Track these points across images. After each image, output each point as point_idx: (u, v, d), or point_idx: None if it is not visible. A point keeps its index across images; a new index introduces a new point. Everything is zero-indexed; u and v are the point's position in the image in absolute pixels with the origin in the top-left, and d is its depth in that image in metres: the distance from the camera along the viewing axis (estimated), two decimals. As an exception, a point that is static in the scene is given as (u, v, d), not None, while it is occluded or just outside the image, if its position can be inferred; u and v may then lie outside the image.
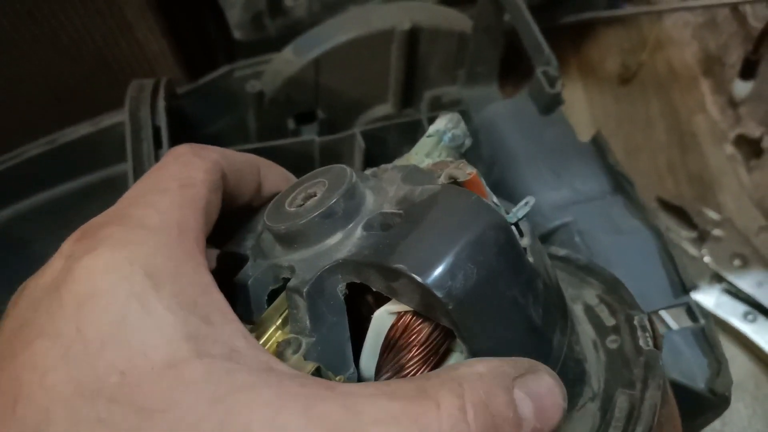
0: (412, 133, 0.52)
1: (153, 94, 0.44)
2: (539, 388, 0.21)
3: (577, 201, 0.41)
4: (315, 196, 0.25)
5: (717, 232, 0.64)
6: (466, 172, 0.24)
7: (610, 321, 0.28)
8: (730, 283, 0.61)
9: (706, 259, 0.62)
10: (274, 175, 0.29)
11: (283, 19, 0.64)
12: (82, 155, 0.51)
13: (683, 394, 0.27)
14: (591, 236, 0.38)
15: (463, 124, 0.29)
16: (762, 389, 0.58)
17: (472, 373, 0.20)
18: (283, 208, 0.25)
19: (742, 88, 0.66)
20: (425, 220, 0.22)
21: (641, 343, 0.26)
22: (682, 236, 0.64)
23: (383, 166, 0.28)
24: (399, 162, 0.28)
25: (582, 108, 0.74)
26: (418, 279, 0.20)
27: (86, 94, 0.57)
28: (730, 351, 0.59)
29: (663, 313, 0.51)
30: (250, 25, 0.62)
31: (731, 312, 0.60)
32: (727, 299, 0.61)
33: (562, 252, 0.31)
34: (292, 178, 0.29)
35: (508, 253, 0.22)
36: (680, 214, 0.65)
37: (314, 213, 0.24)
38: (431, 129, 0.29)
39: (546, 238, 0.41)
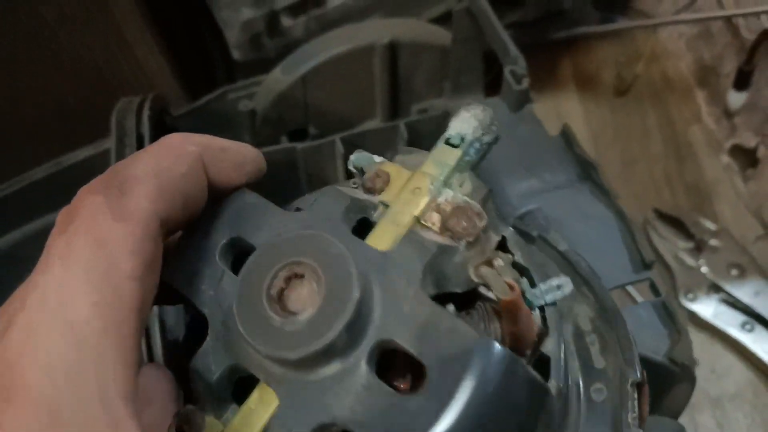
0: (392, 139, 0.53)
1: (140, 106, 0.45)
2: None
3: (545, 190, 0.42)
4: (303, 290, 0.20)
5: (714, 242, 0.64)
6: (505, 286, 0.20)
7: (599, 362, 0.24)
8: (727, 293, 0.61)
9: (704, 269, 0.63)
10: (222, 163, 0.22)
11: (281, 38, 0.65)
12: (86, 177, 0.52)
13: (646, 367, 0.27)
14: (557, 221, 0.40)
15: (489, 117, 0.23)
16: (761, 398, 0.58)
17: None
18: (260, 306, 0.20)
19: (736, 98, 0.67)
20: (451, 407, 0.18)
21: (629, 418, 0.23)
22: (679, 247, 0.65)
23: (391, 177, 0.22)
24: (411, 170, 0.22)
25: (579, 120, 0.74)
26: None
27: (87, 112, 0.58)
28: (728, 360, 0.60)
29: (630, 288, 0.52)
30: (248, 45, 0.63)
31: (729, 322, 0.60)
32: (724, 309, 0.61)
33: (563, 246, 0.28)
34: (249, 157, 0.23)
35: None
36: (677, 224, 0.65)
37: (309, 348, 0.19)
38: (453, 130, 0.23)
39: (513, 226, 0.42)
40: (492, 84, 0.57)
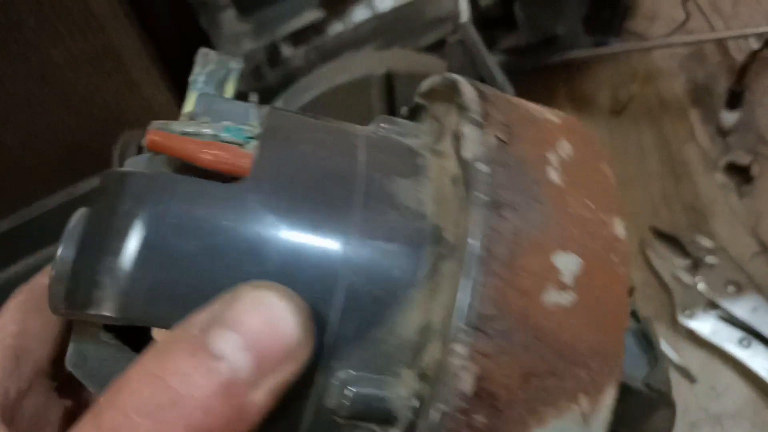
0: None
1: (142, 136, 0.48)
2: (243, 328, 0.19)
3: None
4: None
5: (711, 259, 0.65)
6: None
7: None
8: (725, 310, 0.62)
9: (701, 286, 0.64)
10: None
11: (282, 68, 0.67)
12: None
13: (625, 393, 0.28)
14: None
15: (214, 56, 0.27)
16: (760, 415, 0.59)
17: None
18: None
19: (729, 117, 0.68)
20: None
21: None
22: (676, 265, 0.66)
23: None
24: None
25: (576, 141, 0.76)
26: None
27: (96, 149, 0.60)
28: (728, 377, 0.61)
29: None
30: (250, 76, 0.66)
31: (727, 338, 0.61)
32: (722, 326, 0.62)
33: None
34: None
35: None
36: (674, 242, 0.67)
37: None
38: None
39: None
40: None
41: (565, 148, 0.25)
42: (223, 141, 0.24)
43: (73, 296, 0.21)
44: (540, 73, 0.76)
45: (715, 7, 0.69)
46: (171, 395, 0.18)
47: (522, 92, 0.76)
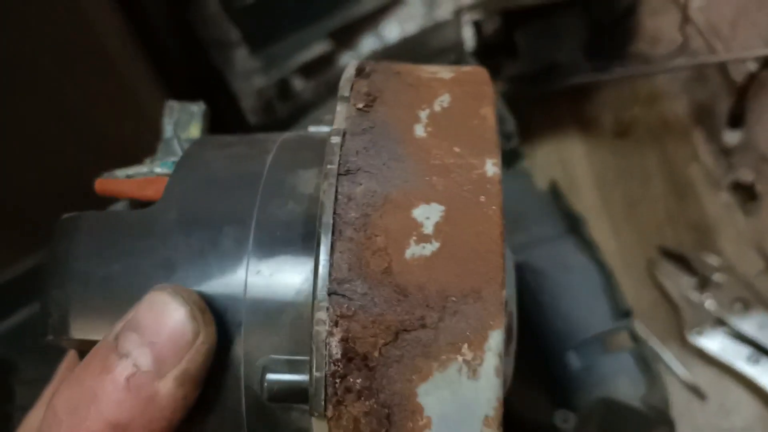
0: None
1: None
2: (140, 327, 0.22)
3: (532, 243, 0.45)
4: None
5: (718, 277, 0.66)
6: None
7: None
8: (732, 327, 0.63)
9: (708, 304, 0.64)
10: None
11: (292, 102, 0.69)
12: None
13: (625, 412, 0.29)
14: (542, 275, 0.43)
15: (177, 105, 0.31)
16: (771, 432, 0.59)
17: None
18: None
19: (731, 137, 0.69)
20: None
21: None
22: (684, 283, 0.66)
23: None
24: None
25: (582, 163, 0.77)
26: None
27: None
28: (737, 395, 0.61)
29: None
30: (262, 110, 0.68)
31: (735, 355, 0.62)
32: (730, 343, 0.63)
33: None
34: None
35: None
36: (681, 261, 0.67)
37: None
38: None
39: None
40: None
41: (443, 101, 0.25)
42: (158, 175, 0.27)
43: (41, 327, 0.25)
44: (545, 99, 0.78)
45: (714, 29, 0.70)
46: (88, 394, 0.21)
47: (528, 118, 0.78)
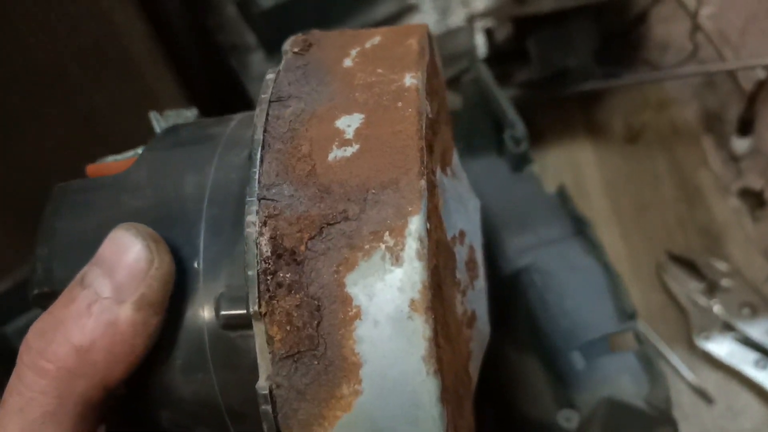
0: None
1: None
2: (101, 260, 0.25)
3: (539, 245, 0.46)
4: None
5: (726, 282, 0.66)
6: None
7: None
8: (740, 332, 0.63)
9: (716, 309, 0.65)
10: None
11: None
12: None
13: (628, 412, 0.31)
14: (549, 275, 0.44)
15: (169, 112, 0.33)
16: (777, 435, 0.59)
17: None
18: None
19: (740, 144, 0.70)
20: None
21: None
22: (692, 288, 0.67)
23: None
24: None
25: (592, 168, 0.78)
26: None
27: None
28: (745, 398, 0.62)
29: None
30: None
31: (743, 360, 0.62)
32: (738, 347, 0.63)
33: None
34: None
35: None
36: (690, 266, 0.68)
37: None
38: None
39: (510, 279, 0.46)
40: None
41: (374, 41, 0.28)
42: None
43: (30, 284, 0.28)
44: (556, 104, 0.79)
45: (723, 37, 0.71)
46: (55, 322, 0.24)
47: (539, 122, 0.79)
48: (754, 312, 0.64)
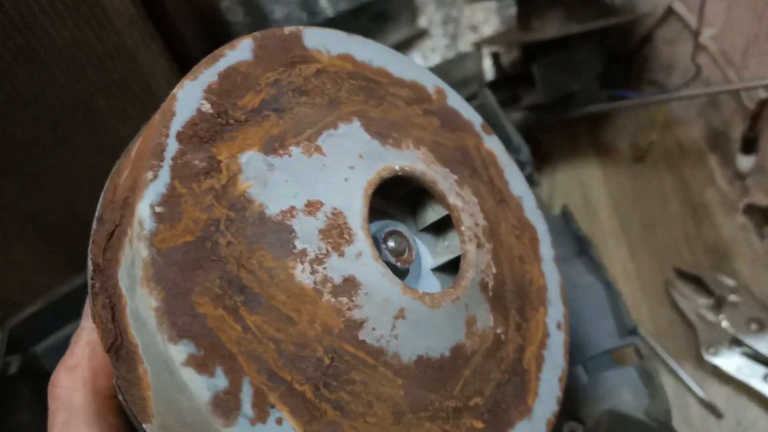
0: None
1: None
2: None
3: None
4: None
5: (733, 298, 0.67)
6: None
7: None
8: (748, 347, 0.64)
9: (724, 324, 0.66)
10: None
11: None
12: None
13: (629, 424, 0.32)
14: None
15: None
16: (787, 449, 0.60)
17: None
18: None
19: (745, 161, 0.71)
20: None
21: None
22: (700, 304, 0.68)
23: None
24: None
25: (600, 187, 0.80)
26: None
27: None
28: (754, 413, 0.63)
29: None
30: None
31: (752, 375, 0.63)
32: (746, 362, 0.64)
33: None
34: None
35: None
36: (698, 282, 0.69)
37: None
38: None
39: None
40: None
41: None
42: None
43: None
44: (564, 126, 0.81)
45: (726, 58, 0.73)
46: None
47: (548, 144, 0.81)
48: (762, 327, 0.65)
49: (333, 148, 0.31)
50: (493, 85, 0.76)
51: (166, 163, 0.26)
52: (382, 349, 0.28)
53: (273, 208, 0.28)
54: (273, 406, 0.25)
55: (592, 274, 0.45)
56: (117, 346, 0.26)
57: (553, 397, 0.34)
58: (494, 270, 0.33)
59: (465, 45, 0.83)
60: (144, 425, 0.27)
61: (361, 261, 0.29)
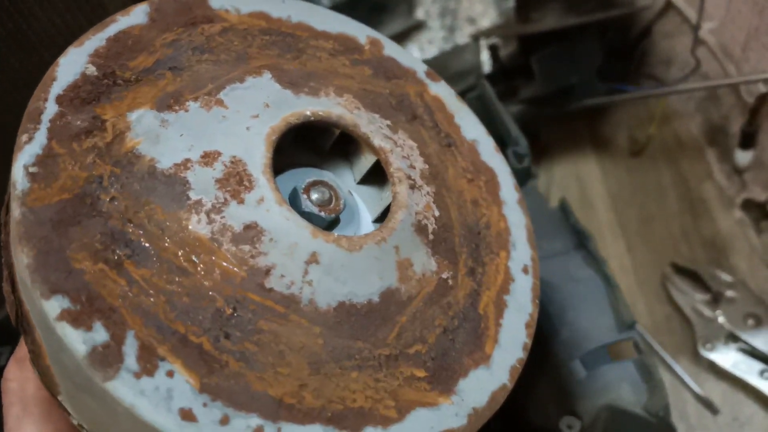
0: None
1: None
2: None
3: (542, 258, 0.47)
4: None
5: (730, 293, 0.67)
6: None
7: None
8: (745, 342, 0.64)
9: (721, 319, 0.66)
10: None
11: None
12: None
13: (628, 419, 0.32)
14: (551, 287, 0.45)
15: None
16: (783, 445, 0.60)
17: None
18: None
19: (743, 156, 0.71)
20: None
21: None
22: (696, 299, 0.68)
23: None
24: None
25: (598, 181, 0.79)
26: None
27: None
28: (750, 409, 0.62)
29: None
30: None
31: (748, 371, 0.63)
32: (743, 358, 0.64)
33: None
34: None
35: None
36: (695, 277, 0.69)
37: None
38: None
39: None
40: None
41: None
42: None
43: None
44: (562, 119, 0.80)
45: (726, 52, 0.72)
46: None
47: (545, 137, 0.80)
48: (759, 322, 0.65)
49: (236, 100, 0.31)
50: (491, 78, 0.75)
51: (43, 126, 0.27)
52: (294, 296, 0.27)
53: (165, 162, 0.28)
54: (163, 359, 0.24)
55: (590, 268, 0.45)
56: (20, 318, 0.26)
57: (518, 344, 0.32)
58: (436, 213, 0.32)
59: (463, 37, 0.82)
60: (58, 398, 0.26)
61: (262, 206, 0.28)
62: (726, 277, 0.68)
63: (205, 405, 0.24)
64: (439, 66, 0.79)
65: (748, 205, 0.72)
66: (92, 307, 0.24)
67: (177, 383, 0.24)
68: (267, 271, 0.27)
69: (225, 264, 0.27)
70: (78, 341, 0.23)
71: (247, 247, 0.27)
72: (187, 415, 0.23)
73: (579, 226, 0.47)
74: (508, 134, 0.52)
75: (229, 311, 0.26)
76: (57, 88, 0.28)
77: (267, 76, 0.32)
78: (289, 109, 0.31)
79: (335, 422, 0.26)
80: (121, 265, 0.25)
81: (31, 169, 0.26)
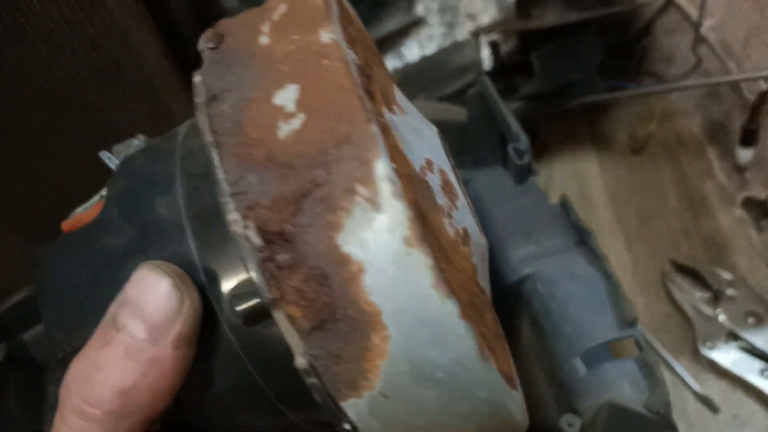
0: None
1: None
2: (130, 301, 0.25)
3: (542, 255, 0.47)
4: None
5: (731, 291, 0.67)
6: None
7: None
8: (745, 341, 0.64)
9: (721, 318, 0.66)
10: None
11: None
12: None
13: (629, 416, 0.31)
14: (552, 283, 0.45)
15: (119, 147, 0.33)
16: (783, 443, 0.60)
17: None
18: None
19: (744, 154, 0.71)
20: None
21: None
22: (696, 297, 0.68)
23: None
24: None
25: (597, 179, 0.79)
26: None
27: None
28: (750, 407, 0.62)
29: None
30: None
31: (748, 369, 0.63)
32: (743, 356, 0.64)
33: None
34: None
35: None
36: (695, 275, 0.69)
37: None
38: None
39: (514, 288, 0.48)
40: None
41: (281, 10, 0.28)
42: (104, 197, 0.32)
43: (51, 349, 0.29)
44: (561, 116, 0.80)
45: (726, 49, 0.72)
46: (92, 364, 0.25)
47: (545, 134, 0.80)
48: (759, 321, 0.65)
49: (407, 106, 0.32)
50: (491, 75, 0.75)
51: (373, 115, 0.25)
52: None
53: (415, 165, 0.28)
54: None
55: (591, 265, 0.45)
56: (332, 321, 0.23)
57: None
58: None
59: (462, 34, 0.82)
60: (346, 401, 0.24)
61: (466, 212, 0.30)
62: (726, 275, 0.68)
63: None
64: (440, 62, 0.78)
65: (749, 203, 0.72)
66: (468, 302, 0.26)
67: None
68: (474, 269, 0.30)
69: (466, 260, 0.29)
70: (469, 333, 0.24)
71: (467, 249, 0.29)
72: None
73: (580, 223, 0.47)
74: (509, 130, 0.51)
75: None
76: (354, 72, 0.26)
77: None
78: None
79: None
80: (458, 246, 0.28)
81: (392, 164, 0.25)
